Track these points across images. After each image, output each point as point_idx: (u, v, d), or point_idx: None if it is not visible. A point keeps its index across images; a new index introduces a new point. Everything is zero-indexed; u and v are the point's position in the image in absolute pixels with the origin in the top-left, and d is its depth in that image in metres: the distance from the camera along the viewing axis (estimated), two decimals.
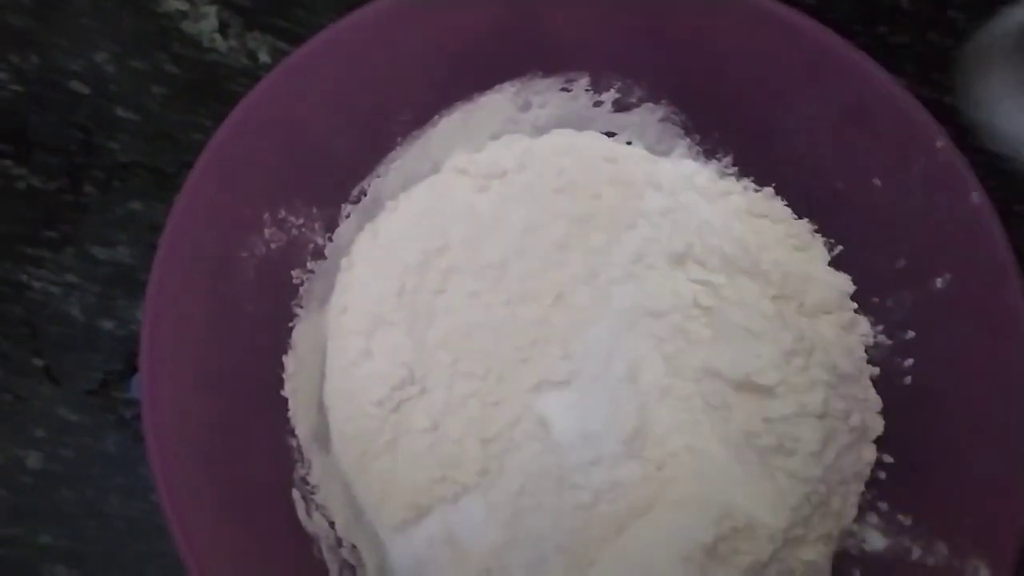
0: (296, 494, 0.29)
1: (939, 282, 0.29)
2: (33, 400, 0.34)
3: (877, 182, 0.30)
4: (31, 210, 0.37)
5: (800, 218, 0.33)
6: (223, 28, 0.39)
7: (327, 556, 0.29)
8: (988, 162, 0.39)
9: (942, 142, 0.28)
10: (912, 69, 0.40)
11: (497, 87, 0.33)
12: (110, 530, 0.33)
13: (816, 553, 0.29)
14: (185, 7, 0.40)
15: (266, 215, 0.29)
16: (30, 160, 0.37)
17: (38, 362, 0.35)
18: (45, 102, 0.38)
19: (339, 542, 0.29)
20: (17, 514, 0.33)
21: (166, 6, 0.40)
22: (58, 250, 0.36)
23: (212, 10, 0.40)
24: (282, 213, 0.30)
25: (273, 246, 0.30)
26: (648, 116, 0.34)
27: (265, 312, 0.30)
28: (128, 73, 0.38)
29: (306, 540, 0.28)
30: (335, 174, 0.32)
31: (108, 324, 0.35)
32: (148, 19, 0.39)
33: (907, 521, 0.28)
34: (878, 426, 0.30)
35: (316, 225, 0.32)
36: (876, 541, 0.29)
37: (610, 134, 0.35)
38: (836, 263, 0.32)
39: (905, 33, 0.41)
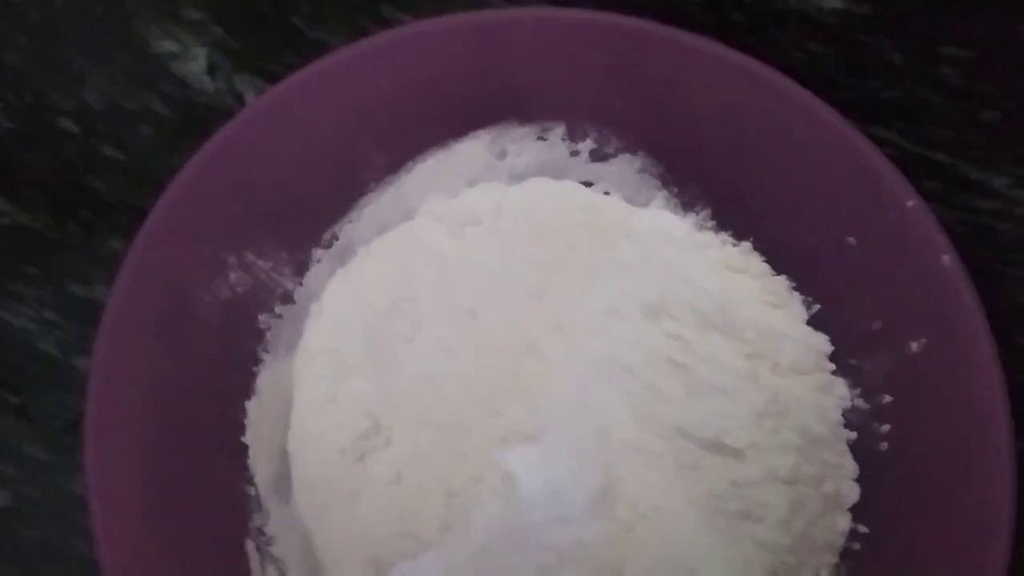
0: (251, 546, 0.29)
1: (914, 346, 0.28)
2: (6, 438, 0.34)
3: (851, 240, 0.29)
4: (14, 246, 0.37)
5: (777, 275, 0.32)
6: (212, 70, 0.40)
7: None
8: (975, 219, 0.38)
9: (913, 201, 0.27)
10: (901, 124, 0.40)
11: (472, 134, 0.33)
12: (71, 573, 0.33)
13: None
14: (177, 48, 0.40)
15: (232, 258, 0.30)
16: (16, 196, 0.38)
17: (13, 399, 0.35)
18: (34, 140, 0.39)
19: None
20: None
21: (158, 47, 0.40)
22: (39, 287, 0.37)
23: (203, 52, 0.40)
24: (249, 257, 0.30)
25: (239, 290, 0.30)
26: (626, 167, 0.34)
27: (227, 356, 0.30)
28: (117, 112, 0.39)
29: None
30: (306, 218, 0.32)
31: (85, 362, 0.35)
32: (140, 59, 0.40)
33: None
34: (853, 494, 0.29)
35: (286, 269, 0.32)
36: None
37: (588, 184, 0.35)
38: (814, 322, 0.32)
39: (896, 88, 0.41)
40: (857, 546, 0.29)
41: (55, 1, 0.41)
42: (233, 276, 0.30)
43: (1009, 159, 0.39)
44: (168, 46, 0.40)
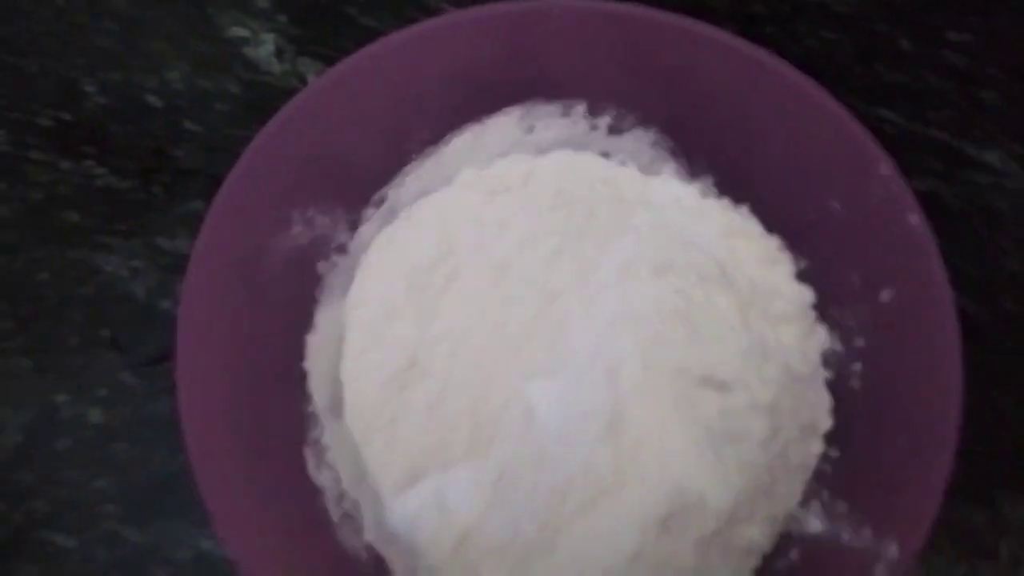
0: (308, 452, 0.34)
1: (885, 295, 0.32)
2: (99, 365, 0.40)
3: (836, 204, 0.33)
4: (107, 205, 0.43)
5: (771, 235, 0.36)
6: (279, 53, 0.45)
7: (331, 507, 0.33)
8: (975, 193, 0.41)
9: (885, 168, 0.31)
10: (907, 106, 0.43)
11: (504, 111, 0.37)
12: (154, 480, 0.38)
13: (758, 532, 0.32)
14: (247, 34, 0.46)
15: (296, 214, 0.35)
16: (108, 162, 0.43)
17: (105, 333, 0.41)
18: (124, 113, 0.44)
19: (342, 496, 0.34)
20: (79, 461, 0.39)
21: (230, 33, 0.46)
22: (127, 239, 0.42)
23: (270, 37, 0.45)
24: (311, 212, 0.35)
25: (302, 241, 0.35)
26: (640, 140, 0.38)
27: (292, 296, 0.35)
28: (195, 91, 0.45)
29: (314, 491, 0.33)
30: (359, 181, 0.37)
31: (166, 303, 0.41)
32: (215, 44, 0.45)
33: (843, 508, 0.31)
34: (827, 423, 0.33)
35: (341, 225, 0.37)
36: (814, 524, 0.32)
37: (605, 155, 0.39)
38: (801, 276, 0.36)
39: (904, 72, 0.44)
40: (828, 468, 0.33)
41: None
42: (296, 229, 0.35)
43: (1005, 137, 0.42)
44: (239, 32, 0.46)
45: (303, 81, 0.45)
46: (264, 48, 0.45)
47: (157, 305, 0.41)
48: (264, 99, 0.44)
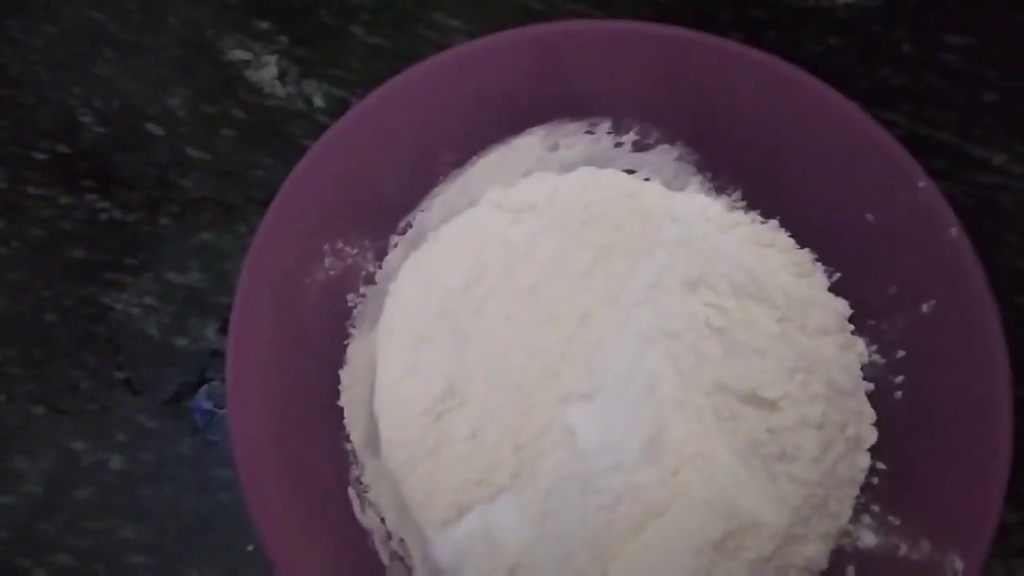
0: (351, 492, 0.33)
1: (925, 307, 0.32)
2: (116, 409, 0.39)
3: (869, 217, 0.33)
4: (114, 239, 0.41)
5: (802, 248, 0.37)
6: (282, 76, 0.44)
7: (379, 548, 0.32)
8: (981, 193, 0.42)
9: (924, 182, 0.31)
10: (910, 107, 0.44)
11: (528, 131, 0.37)
12: (184, 525, 0.37)
13: (814, 550, 0.32)
14: (248, 56, 0.44)
15: (326, 246, 0.34)
16: (112, 194, 0.42)
17: (120, 375, 0.39)
18: (125, 143, 0.43)
19: (389, 536, 0.33)
20: (103, 511, 0.37)
21: (231, 55, 0.44)
22: (137, 275, 0.41)
23: (272, 59, 0.44)
24: (340, 244, 0.34)
25: (331, 273, 0.34)
26: (664, 155, 0.38)
27: (324, 331, 0.34)
28: (198, 117, 0.43)
29: (362, 533, 0.32)
30: (386, 209, 0.36)
31: (182, 341, 0.40)
32: (216, 68, 0.44)
33: (896, 522, 0.31)
34: (872, 436, 0.33)
35: (368, 254, 0.36)
36: (868, 539, 0.32)
37: (630, 171, 0.39)
38: (835, 289, 0.36)
39: (905, 75, 0.45)
40: (876, 480, 0.33)
41: (134, 15, 0.45)
42: (327, 261, 0.34)
43: (1008, 137, 0.43)
44: (240, 55, 0.44)
45: (309, 103, 0.44)
46: (267, 71, 0.44)
47: (172, 343, 0.40)
48: (270, 123, 0.43)
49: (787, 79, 0.33)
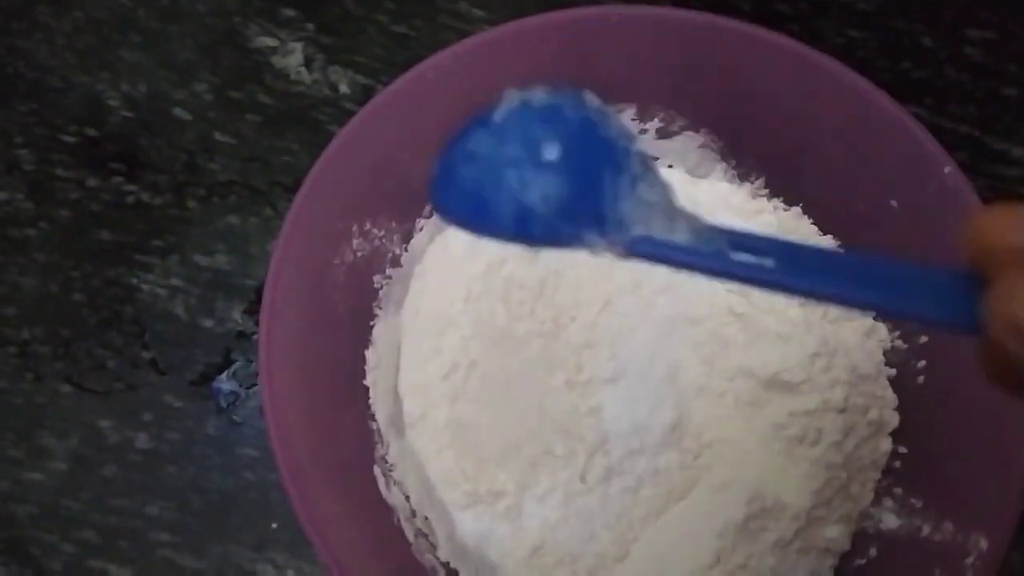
0: (377, 471, 0.33)
1: None
2: (142, 388, 0.39)
3: (894, 204, 0.34)
4: (141, 222, 0.42)
5: (825, 235, 0.37)
6: (308, 63, 0.44)
7: (404, 525, 0.33)
8: (999, 186, 0.42)
9: (950, 168, 0.31)
10: (931, 101, 0.44)
11: None
12: (209, 502, 0.37)
13: (836, 531, 0.32)
14: (275, 43, 0.45)
15: (355, 227, 0.34)
16: (140, 178, 0.42)
17: (146, 355, 0.40)
18: (153, 127, 0.43)
19: (413, 513, 0.34)
20: (128, 488, 0.38)
21: (258, 42, 0.45)
22: (164, 257, 0.41)
23: (298, 46, 0.45)
24: (368, 226, 0.35)
25: (359, 254, 0.35)
26: (688, 143, 0.38)
27: (351, 311, 0.34)
28: (225, 102, 0.44)
29: (387, 510, 0.32)
30: (413, 193, 0.36)
31: (208, 322, 0.40)
32: (242, 54, 0.45)
33: (919, 504, 0.32)
34: (894, 420, 0.34)
35: (395, 237, 0.36)
36: (891, 521, 0.32)
37: (653, 158, 0.39)
38: None
39: (926, 68, 0.45)
40: (898, 464, 0.33)
41: (160, 1, 0.46)
42: (355, 243, 0.34)
43: None
44: (267, 41, 0.45)
45: (334, 90, 0.44)
46: (293, 57, 0.44)
47: (199, 324, 0.40)
48: (296, 109, 0.44)
49: (814, 64, 0.33)
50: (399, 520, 0.33)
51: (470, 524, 0.34)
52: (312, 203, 0.32)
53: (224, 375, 0.39)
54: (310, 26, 0.45)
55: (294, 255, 0.31)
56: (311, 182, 0.32)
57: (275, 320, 0.30)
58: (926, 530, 0.30)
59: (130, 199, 0.42)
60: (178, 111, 0.44)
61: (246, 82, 0.44)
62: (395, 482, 0.34)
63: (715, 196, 0.38)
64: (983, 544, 0.28)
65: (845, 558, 0.32)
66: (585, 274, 0.37)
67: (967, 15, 0.45)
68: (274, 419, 0.28)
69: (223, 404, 0.39)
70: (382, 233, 0.35)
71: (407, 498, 0.34)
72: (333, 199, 0.33)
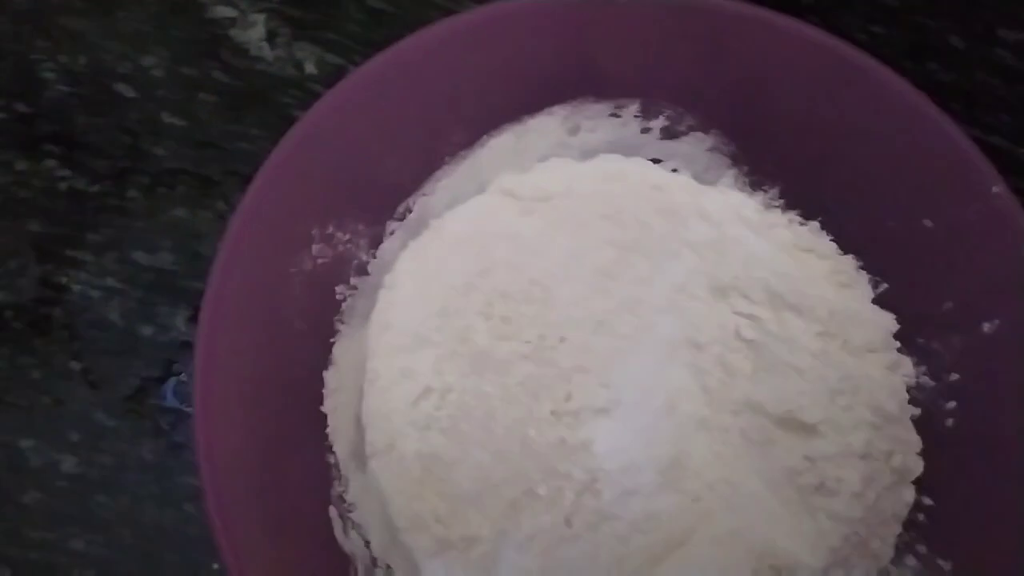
0: (334, 512, 0.29)
1: (987, 327, 0.29)
2: (70, 404, 0.35)
3: (928, 223, 0.30)
4: (74, 212, 0.37)
5: (845, 254, 0.33)
6: (271, 37, 0.40)
7: None
8: None
9: (999, 188, 0.28)
10: (958, 107, 0.40)
11: (548, 110, 0.33)
12: (143, 538, 0.33)
13: None
14: (234, 14, 0.40)
15: (315, 231, 0.30)
16: (76, 162, 0.38)
17: (76, 366, 0.35)
18: (92, 104, 0.38)
19: (374, 562, 0.29)
20: (51, 518, 0.33)
21: (215, 12, 0.40)
22: (100, 254, 0.36)
23: (261, 18, 0.40)
24: (330, 229, 0.30)
25: (320, 262, 0.30)
26: (697, 145, 0.34)
27: (309, 327, 0.30)
28: (176, 79, 0.39)
29: (343, 559, 0.28)
30: (383, 191, 0.32)
31: (148, 330, 0.36)
32: (197, 26, 0.40)
33: (947, 566, 0.28)
34: (918, 467, 0.30)
35: (361, 241, 0.32)
36: None
37: (657, 161, 0.35)
38: (880, 301, 0.32)
39: (954, 71, 0.41)
40: (921, 517, 0.30)
41: None
42: (316, 248, 0.30)
43: None
44: (225, 12, 0.40)
45: (300, 69, 0.39)
46: (254, 31, 0.40)
47: (136, 331, 0.36)
48: (256, 89, 0.39)
49: (844, 60, 0.29)
50: (356, 571, 0.28)
51: (439, 574, 0.30)
52: (266, 200, 0.27)
53: (164, 391, 0.35)
54: None
55: (242, 261, 0.27)
56: (265, 176, 0.27)
57: (215, 336, 0.25)
58: None
59: (63, 186, 0.37)
60: (122, 87, 0.39)
61: (201, 57, 0.39)
62: (354, 525, 0.30)
63: (724, 205, 0.34)
64: None
65: None
66: (578, 290, 0.33)
67: (1001, 14, 0.42)
68: (206, 452, 0.24)
69: (162, 425, 0.34)
70: (347, 237, 0.31)
71: (367, 544, 0.30)
72: (291, 197, 0.28)
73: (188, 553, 0.33)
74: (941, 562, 0.28)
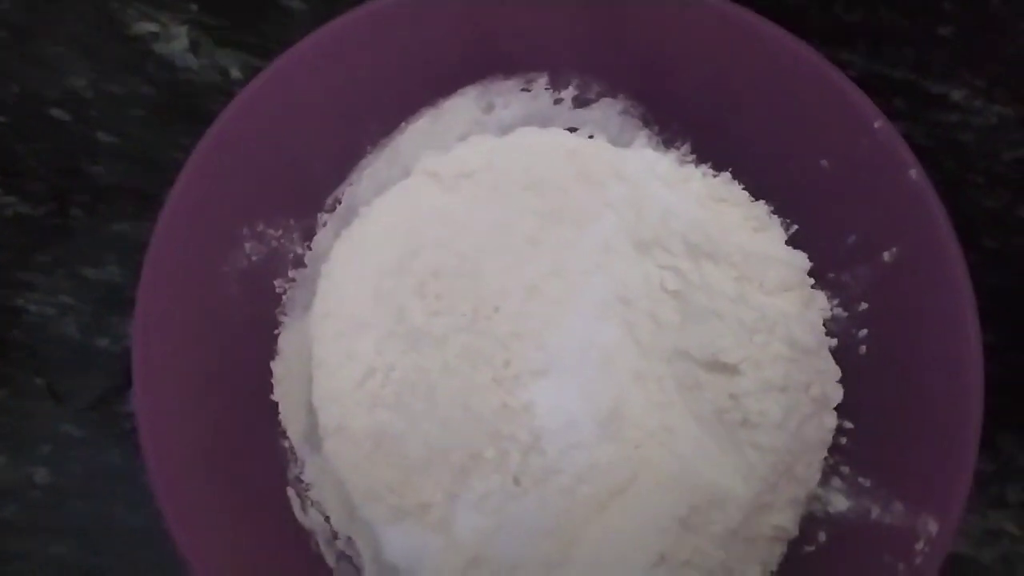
0: (291, 492, 0.31)
1: (887, 256, 0.30)
2: (38, 418, 0.36)
3: (824, 163, 0.31)
4: (21, 236, 0.38)
5: (757, 200, 0.34)
6: (194, 47, 0.40)
7: (324, 549, 0.30)
8: (940, 132, 0.40)
9: (880, 122, 0.29)
10: (864, 46, 0.42)
11: (460, 91, 0.34)
12: (118, 539, 0.35)
13: (784, 518, 0.30)
14: (156, 28, 0.41)
15: (245, 229, 0.31)
16: (16, 187, 0.39)
17: (39, 381, 0.37)
18: (27, 131, 0.39)
19: (335, 535, 0.31)
20: (29, 528, 0.35)
21: (137, 29, 0.41)
22: (50, 273, 0.38)
23: (183, 30, 0.41)
24: (260, 226, 0.32)
25: (254, 258, 0.32)
26: (608, 110, 0.35)
27: (251, 322, 0.31)
28: (106, 97, 0.40)
29: (303, 535, 0.30)
30: (310, 185, 0.33)
31: (103, 341, 0.37)
32: (121, 43, 0.40)
33: (867, 483, 0.30)
34: (838, 395, 0.32)
35: (295, 235, 0.33)
36: (839, 503, 0.30)
37: (572, 129, 0.36)
38: (793, 241, 0.34)
39: (858, 11, 0.42)
40: (844, 440, 0.31)
41: None
42: (248, 246, 0.31)
43: (966, 72, 0.41)
44: (147, 27, 0.41)
45: (225, 75, 0.40)
46: (177, 43, 0.40)
47: (93, 343, 0.37)
48: (184, 98, 0.40)
49: (734, 20, 0.30)
50: (318, 545, 0.30)
51: (398, 541, 0.32)
52: (187, 205, 0.29)
53: (125, 397, 0.36)
54: (193, 7, 0.41)
55: (169, 266, 0.28)
56: (184, 181, 0.29)
57: (151, 344, 0.27)
58: (875, 512, 0.29)
59: (7, 212, 0.38)
60: (55, 111, 0.40)
61: (127, 74, 0.40)
62: (312, 503, 0.31)
63: (639, 165, 0.36)
64: (933, 528, 0.26)
65: (794, 546, 0.31)
66: (507, 260, 0.34)
67: None
68: (156, 458, 0.25)
69: (127, 430, 0.36)
70: (279, 233, 0.32)
71: (327, 519, 0.31)
72: (213, 198, 0.29)
73: (163, 551, 0.34)
74: (862, 479, 0.30)
